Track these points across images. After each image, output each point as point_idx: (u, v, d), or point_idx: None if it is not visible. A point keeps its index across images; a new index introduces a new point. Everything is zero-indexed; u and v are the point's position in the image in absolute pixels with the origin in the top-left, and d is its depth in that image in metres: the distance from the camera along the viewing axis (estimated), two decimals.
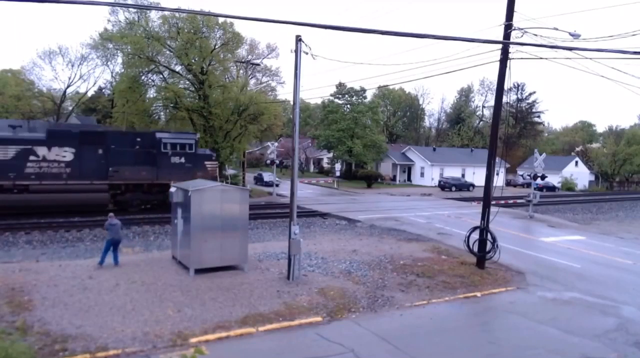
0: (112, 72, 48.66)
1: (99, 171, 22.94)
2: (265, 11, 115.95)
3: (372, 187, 50.27)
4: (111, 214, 13.32)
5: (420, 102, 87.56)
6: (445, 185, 50.89)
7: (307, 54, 11.86)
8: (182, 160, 24.89)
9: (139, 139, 24.31)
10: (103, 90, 56.49)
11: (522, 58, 15.28)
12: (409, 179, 63.51)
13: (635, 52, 10.70)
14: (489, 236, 14.33)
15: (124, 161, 23.42)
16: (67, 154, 22.33)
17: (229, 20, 37.58)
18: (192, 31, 36.98)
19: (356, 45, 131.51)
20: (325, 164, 75.49)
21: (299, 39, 11.69)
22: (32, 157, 21.63)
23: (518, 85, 76.64)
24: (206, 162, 25.77)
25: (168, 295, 10.51)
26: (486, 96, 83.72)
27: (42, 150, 21.83)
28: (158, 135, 25.13)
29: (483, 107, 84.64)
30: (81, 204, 22.47)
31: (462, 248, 15.35)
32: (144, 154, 24.03)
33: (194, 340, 8.38)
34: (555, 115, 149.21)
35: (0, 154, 20.99)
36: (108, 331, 8.49)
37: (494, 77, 22.21)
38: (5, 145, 21.14)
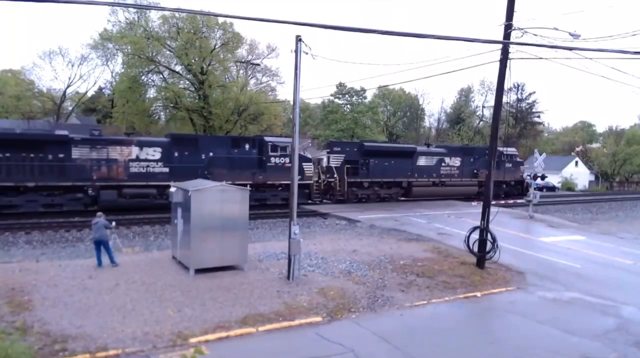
0: (112, 72, 48.74)
1: (471, 173, 35.32)
2: (265, 11, 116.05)
3: None
4: (99, 213, 13.20)
5: (420, 102, 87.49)
6: None
7: (307, 54, 11.85)
8: (510, 165, 37.10)
9: (477, 152, 36.75)
10: (103, 90, 56.47)
11: (522, 58, 15.30)
12: None
13: (635, 52, 10.72)
14: (489, 236, 14.33)
15: (483, 166, 33.16)
16: (457, 161, 34.66)
17: (229, 20, 37.64)
18: (192, 31, 37.00)
19: (356, 45, 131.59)
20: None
21: (299, 39, 11.69)
22: (443, 164, 33.98)
23: (518, 85, 76.52)
24: (521, 167, 39.20)
25: (168, 295, 10.51)
26: (486, 96, 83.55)
27: (447, 160, 34.22)
28: (500, 150, 39.45)
29: (483, 107, 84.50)
30: (461, 194, 34.40)
31: (462, 248, 15.35)
32: (484, 162, 37.10)
33: (194, 340, 8.38)
34: (555, 115, 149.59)
35: (429, 161, 33.40)
36: (108, 331, 8.49)
37: (494, 77, 22.24)
38: (432, 156, 33.79)
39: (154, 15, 37.46)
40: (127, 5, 34.76)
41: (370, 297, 11.15)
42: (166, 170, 24.04)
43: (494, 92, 15.33)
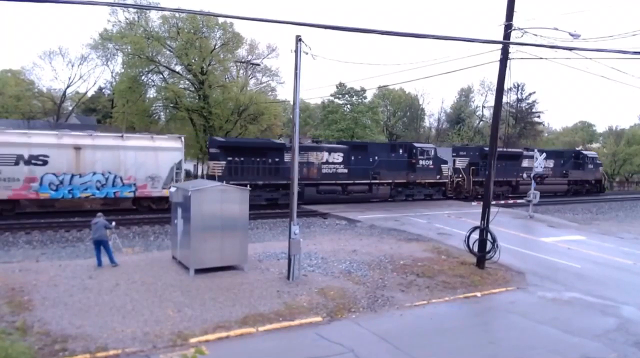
0: (112, 72, 48.64)
1: (561, 173, 41.10)
2: (265, 11, 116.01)
3: None
4: (99, 213, 13.23)
5: (420, 102, 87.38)
6: None
7: (307, 54, 11.85)
8: (592, 166, 44.42)
9: (566, 155, 43.38)
10: (103, 90, 56.40)
11: (522, 58, 15.28)
12: None
13: (635, 52, 10.72)
14: (489, 236, 14.33)
15: (572, 167, 42.32)
16: (551, 163, 39.39)
17: (229, 20, 37.59)
18: (192, 31, 36.95)
19: (356, 45, 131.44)
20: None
21: (299, 39, 11.69)
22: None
23: (518, 85, 76.30)
24: (600, 168, 45.88)
25: (168, 295, 10.52)
26: (486, 96, 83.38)
27: (548, 163, 37.71)
28: (584, 153, 44.90)
29: (483, 107, 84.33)
30: (554, 191, 40.17)
31: (462, 248, 15.36)
32: (573, 164, 43.06)
33: (194, 340, 8.39)
34: (555, 115, 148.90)
35: (530, 163, 34.56)
36: (108, 331, 8.50)
37: (494, 77, 22.31)
38: (533, 159, 36.40)
39: (154, 15, 37.44)
40: (127, 6, 34.71)
41: (370, 297, 11.15)
42: (346, 171, 28.84)
43: (494, 92, 15.33)
